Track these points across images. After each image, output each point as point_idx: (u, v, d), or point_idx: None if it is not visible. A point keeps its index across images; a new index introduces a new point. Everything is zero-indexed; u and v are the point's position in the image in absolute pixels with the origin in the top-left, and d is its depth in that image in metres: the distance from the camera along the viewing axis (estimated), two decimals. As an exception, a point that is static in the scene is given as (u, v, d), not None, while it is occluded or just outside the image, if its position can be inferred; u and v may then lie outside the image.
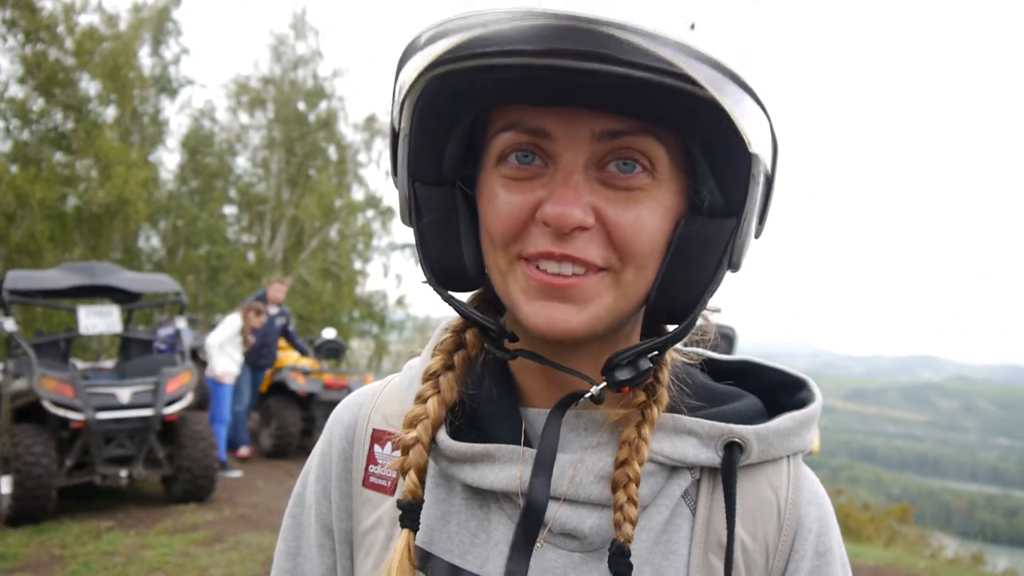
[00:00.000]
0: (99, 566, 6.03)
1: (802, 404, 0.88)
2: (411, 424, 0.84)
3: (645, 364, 0.78)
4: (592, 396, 0.79)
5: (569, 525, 0.81)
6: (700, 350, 0.96)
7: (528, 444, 0.84)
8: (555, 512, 0.81)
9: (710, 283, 0.76)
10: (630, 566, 0.77)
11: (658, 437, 0.82)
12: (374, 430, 0.95)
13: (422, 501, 0.82)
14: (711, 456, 0.82)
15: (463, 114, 0.76)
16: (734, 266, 0.77)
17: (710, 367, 0.96)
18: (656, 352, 0.79)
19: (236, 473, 9.52)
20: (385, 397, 0.98)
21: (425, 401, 0.85)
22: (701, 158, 0.73)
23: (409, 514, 0.82)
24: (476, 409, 0.88)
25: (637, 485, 0.78)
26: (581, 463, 0.82)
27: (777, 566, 0.83)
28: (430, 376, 0.88)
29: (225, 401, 9.59)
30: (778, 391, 0.92)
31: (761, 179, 0.73)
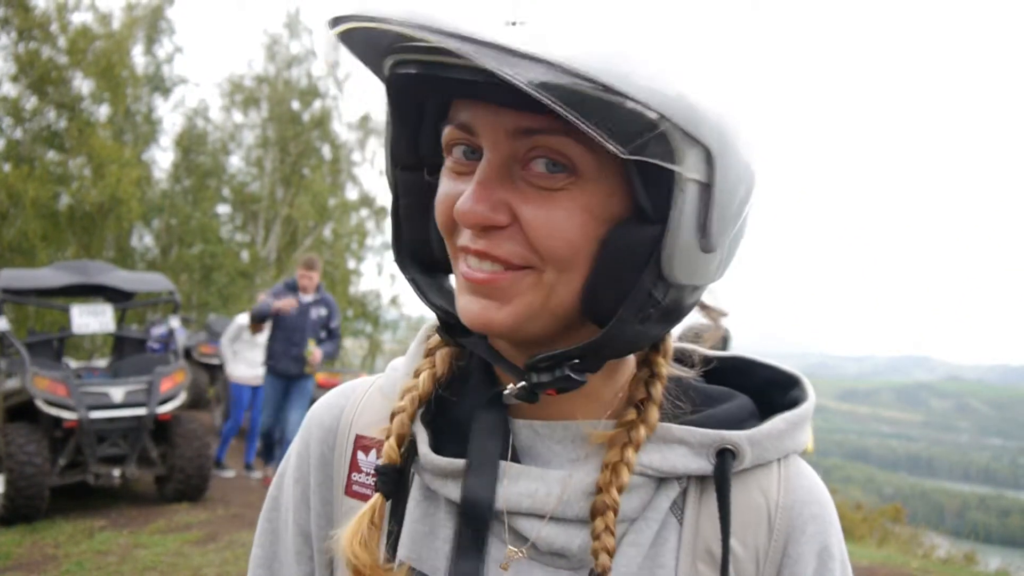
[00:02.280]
0: (92, 565, 6.02)
1: (794, 402, 0.86)
2: (402, 396, 0.87)
3: (565, 371, 0.74)
4: (512, 393, 0.78)
5: (557, 544, 0.79)
6: (691, 346, 0.94)
7: (514, 457, 0.83)
8: (540, 531, 0.79)
9: (632, 290, 0.71)
10: None
11: (647, 448, 0.80)
12: (358, 436, 0.93)
13: (399, 468, 0.83)
14: (703, 465, 0.79)
15: (427, 103, 0.80)
16: (666, 277, 0.70)
17: (702, 362, 0.95)
18: (577, 360, 0.74)
19: (230, 473, 9.43)
20: (368, 402, 0.96)
21: (418, 375, 0.88)
22: (630, 161, 0.67)
23: (383, 477, 0.82)
24: (462, 419, 0.86)
25: (616, 513, 0.77)
26: (569, 479, 0.79)
27: (768, 572, 0.81)
28: (429, 352, 0.91)
29: (237, 402, 9.47)
30: (771, 388, 0.91)
31: (688, 187, 0.68)
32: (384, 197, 26.64)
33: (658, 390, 0.83)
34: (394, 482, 0.83)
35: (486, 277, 0.73)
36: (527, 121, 0.68)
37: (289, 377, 8.12)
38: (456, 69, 0.66)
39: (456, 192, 0.74)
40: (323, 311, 8.25)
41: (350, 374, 11.97)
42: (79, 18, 20.40)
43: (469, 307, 0.75)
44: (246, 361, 9.37)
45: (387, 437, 0.84)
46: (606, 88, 0.61)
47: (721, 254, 0.75)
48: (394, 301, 27.40)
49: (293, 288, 8.17)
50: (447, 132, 0.75)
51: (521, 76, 0.59)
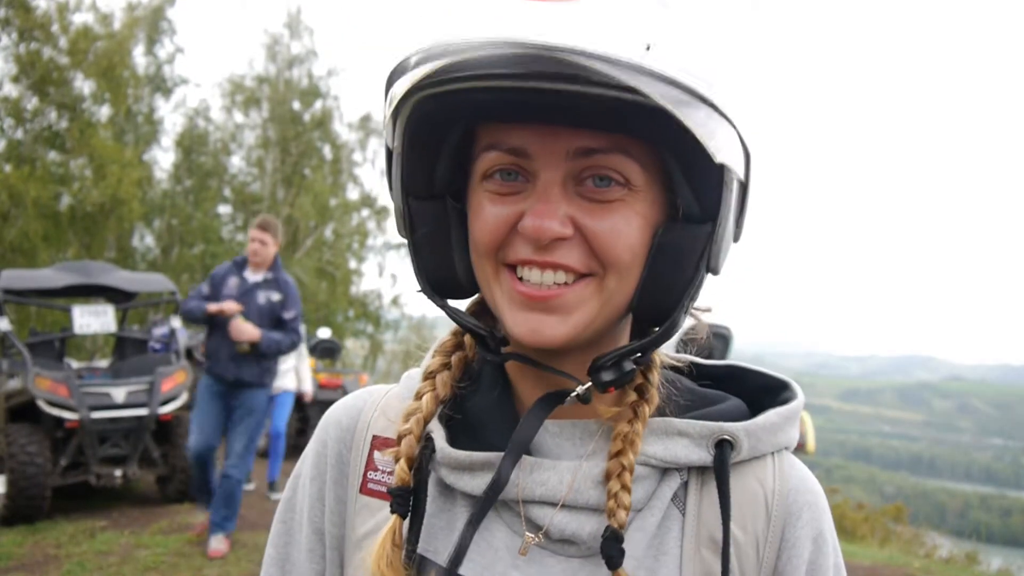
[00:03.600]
0: (93, 565, 6.02)
1: (785, 403, 0.91)
2: (406, 418, 0.89)
3: (628, 366, 0.81)
4: (578, 395, 0.82)
5: (568, 531, 0.83)
6: (687, 356, 1.00)
7: (527, 451, 0.86)
8: (553, 518, 0.83)
9: (688, 286, 0.79)
10: (622, 552, 0.79)
11: (650, 440, 0.85)
12: (374, 436, 0.96)
13: (411, 489, 0.86)
14: (702, 455, 0.84)
15: (450, 133, 0.81)
16: (712, 270, 0.79)
17: (697, 372, 1.00)
18: (640, 354, 0.82)
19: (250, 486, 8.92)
20: (385, 405, 0.99)
21: (420, 397, 0.90)
22: (676, 169, 0.76)
23: (397, 500, 0.85)
24: (476, 417, 0.90)
25: (631, 473, 0.81)
26: (579, 468, 0.84)
27: (768, 556, 0.85)
28: (428, 375, 0.93)
29: None
30: (762, 394, 0.95)
31: (734, 186, 0.77)
32: (385, 197, 26.62)
33: (655, 375, 0.89)
34: (408, 503, 0.86)
35: (551, 292, 0.77)
36: (587, 141, 0.74)
37: (231, 385, 6.07)
38: (504, 91, 0.70)
39: (505, 214, 0.78)
40: (275, 295, 6.13)
41: (351, 375, 11.98)
42: (80, 19, 20.37)
43: (526, 324, 0.78)
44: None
45: (396, 460, 0.87)
46: (714, 106, 0.70)
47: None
48: (395, 301, 27.43)
49: (241, 266, 6.24)
50: (490, 157, 0.78)
51: (656, 92, 0.66)
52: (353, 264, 26.99)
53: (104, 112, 21.46)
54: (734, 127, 0.74)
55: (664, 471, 0.86)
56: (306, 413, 10.74)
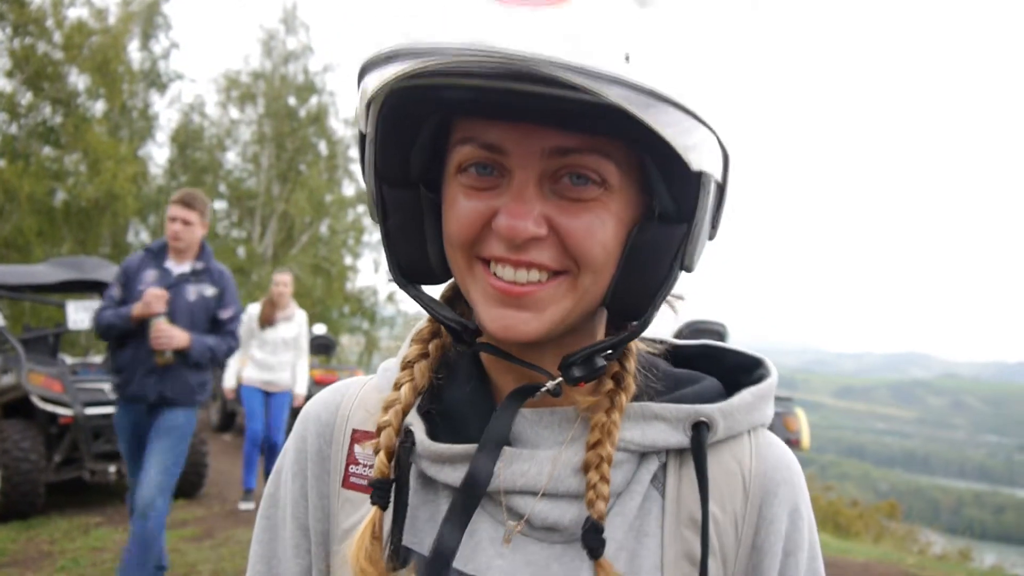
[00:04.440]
0: (88, 562, 6.01)
1: (759, 381, 0.93)
2: (386, 409, 0.90)
3: (600, 362, 0.82)
4: (548, 390, 0.84)
5: (550, 519, 0.84)
6: (664, 337, 1.02)
7: (506, 442, 0.87)
8: (535, 507, 0.84)
9: (663, 284, 0.80)
10: (602, 542, 0.80)
11: (627, 426, 0.86)
12: (354, 430, 0.97)
13: (391, 480, 0.86)
14: (680, 438, 0.86)
15: (424, 123, 0.81)
16: (687, 268, 0.80)
17: (673, 353, 1.02)
18: (610, 351, 0.83)
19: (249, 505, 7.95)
20: (363, 398, 1.00)
21: (399, 388, 0.91)
22: (653, 169, 0.77)
23: (378, 492, 0.86)
24: (454, 408, 0.91)
25: (609, 464, 0.83)
26: (558, 458, 0.85)
27: (747, 533, 0.87)
28: (406, 365, 0.93)
29: (251, 412, 7.69)
30: (738, 372, 0.97)
31: (712, 188, 0.78)
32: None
33: (631, 363, 0.90)
34: (388, 494, 0.86)
35: (525, 289, 0.78)
36: (563, 141, 0.74)
37: (151, 406, 4.67)
38: (481, 90, 0.69)
39: (480, 209, 0.78)
40: (208, 289, 4.79)
41: (346, 371, 11.99)
42: (75, 13, 20.31)
43: (501, 320, 0.79)
44: (254, 361, 7.67)
45: (376, 452, 0.87)
46: (691, 113, 0.71)
47: None
48: (390, 298, 27.42)
49: (159, 254, 4.80)
50: (465, 151, 0.78)
51: (615, 95, 0.66)
52: (348, 260, 26.98)
53: (99, 107, 21.41)
54: (713, 132, 0.74)
55: (643, 455, 0.87)
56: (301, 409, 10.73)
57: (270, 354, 7.63)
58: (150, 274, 4.69)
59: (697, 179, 0.75)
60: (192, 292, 4.76)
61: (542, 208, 0.76)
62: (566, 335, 0.83)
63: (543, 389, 0.84)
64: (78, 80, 20.54)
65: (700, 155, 0.74)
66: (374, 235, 26.93)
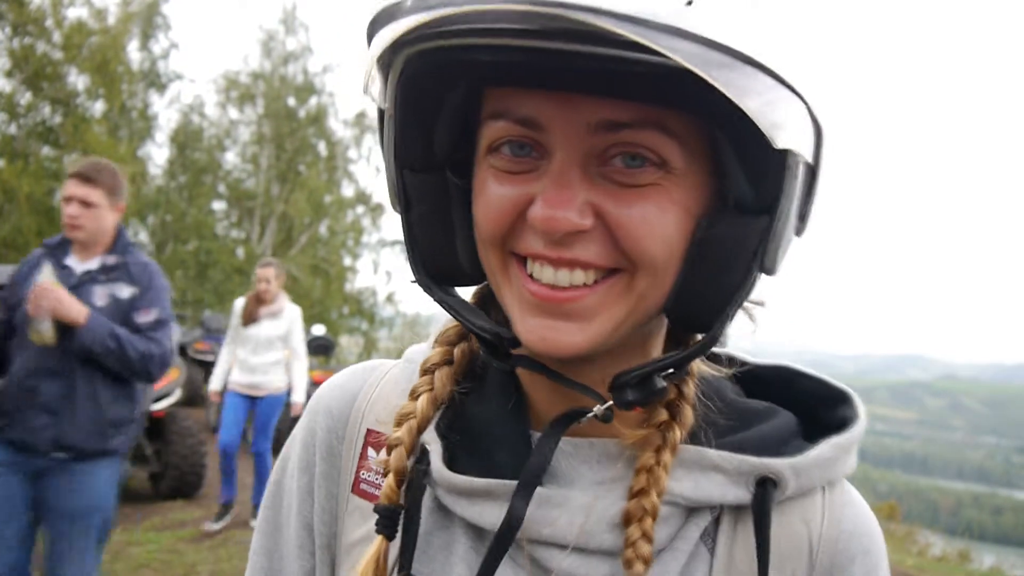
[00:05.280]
0: (86, 563, 5.99)
1: (843, 422, 0.78)
2: (399, 422, 0.79)
3: (659, 383, 0.69)
4: (596, 415, 0.71)
5: None
6: (730, 351, 0.87)
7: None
8: (562, 562, 0.73)
9: (738, 290, 0.66)
10: None
11: (679, 475, 0.73)
12: (369, 430, 0.86)
13: (400, 507, 0.76)
14: (740, 494, 0.72)
15: (450, 94, 0.69)
16: (767, 270, 0.67)
17: (743, 374, 0.86)
18: (672, 370, 0.70)
19: (215, 526, 7.06)
20: (381, 392, 0.89)
21: (417, 398, 0.80)
22: (728, 148, 0.64)
23: (384, 520, 0.76)
24: (479, 429, 0.79)
25: (654, 519, 0.70)
26: (593, 507, 0.72)
27: None
28: (427, 371, 0.82)
29: (230, 419, 6.99)
30: (816, 403, 0.82)
31: (800, 170, 0.64)
32: (380, 194, 26.64)
33: (690, 389, 0.76)
34: (396, 524, 0.76)
35: (569, 294, 0.65)
36: (612, 112, 0.61)
37: (47, 459, 3.30)
38: (509, 51, 0.57)
39: (513, 196, 0.66)
40: (124, 291, 3.48)
41: (345, 371, 11.93)
42: (74, 13, 20.27)
43: (539, 330, 0.67)
44: (239, 363, 6.95)
45: (385, 473, 0.77)
46: (757, 66, 0.57)
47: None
48: (390, 298, 27.39)
49: (57, 250, 3.53)
50: (496, 127, 0.66)
51: (680, 50, 0.53)
52: (348, 261, 26.93)
53: (98, 107, 21.36)
54: (801, 99, 0.61)
55: (692, 508, 0.74)
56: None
57: (252, 354, 6.82)
58: (47, 273, 3.31)
59: (782, 160, 0.62)
60: (100, 295, 3.42)
61: (588, 195, 0.64)
62: (617, 349, 0.70)
63: (590, 415, 0.71)
64: (77, 80, 20.50)
65: (787, 131, 0.60)
66: (373, 236, 26.94)
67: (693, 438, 0.74)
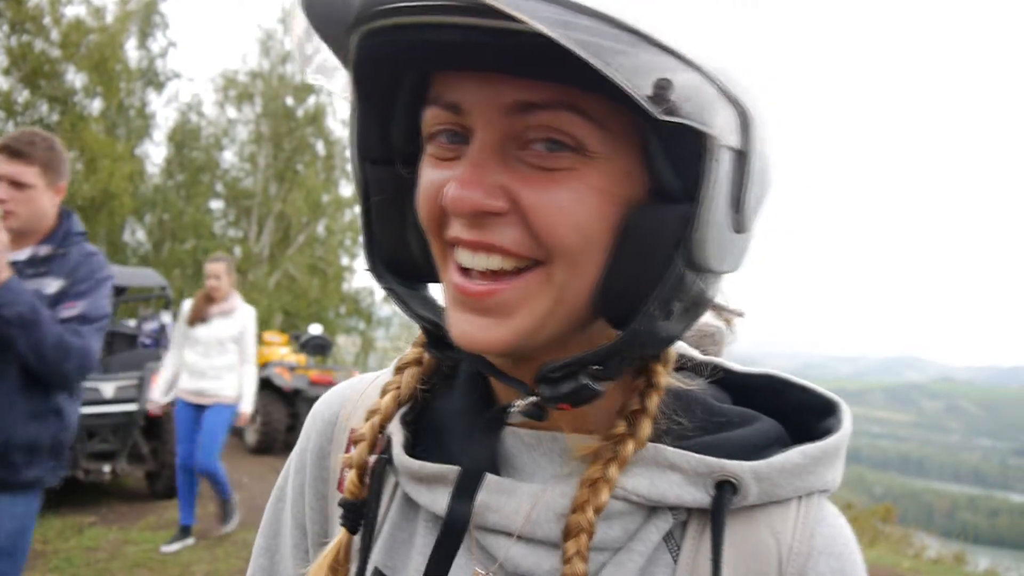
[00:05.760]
0: (81, 561, 5.99)
1: (826, 432, 0.75)
2: (366, 419, 0.81)
3: (585, 381, 0.64)
4: (524, 412, 0.69)
5: (523, 566, 0.71)
6: (717, 360, 0.84)
7: (493, 470, 0.74)
8: (508, 550, 0.71)
9: (656, 283, 0.61)
10: None
11: (634, 472, 0.70)
12: (351, 431, 0.87)
13: (362, 501, 0.78)
14: (699, 496, 0.69)
15: (400, 81, 0.68)
16: (695, 264, 0.62)
17: (728, 380, 0.83)
18: (599, 367, 0.65)
19: (175, 546, 6.47)
20: (366, 395, 0.90)
21: (384, 394, 0.82)
22: (649, 132, 0.60)
23: (347, 514, 0.78)
24: (441, 420, 0.80)
25: (590, 536, 0.68)
26: (541, 496, 0.71)
27: None
28: (398, 369, 0.84)
29: (183, 431, 6.31)
30: (806, 413, 0.79)
31: (722, 155, 0.59)
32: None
33: (653, 402, 0.72)
34: (359, 517, 0.78)
35: (484, 288, 0.64)
36: (525, 93, 0.60)
37: None
38: (438, 29, 0.57)
39: (443, 180, 0.64)
40: (51, 284, 2.83)
41: (343, 371, 11.98)
42: (72, 11, 20.26)
43: (462, 327, 0.66)
44: (186, 367, 6.27)
45: (348, 467, 0.79)
46: (637, 34, 0.53)
47: (748, 236, 0.68)
48: (387, 298, 27.32)
49: None
50: (429, 114, 0.66)
51: (539, 14, 0.50)
52: (345, 261, 26.93)
53: (96, 106, 21.38)
54: (702, 73, 0.57)
55: (652, 508, 0.71)
56: (297, 409, 10.75)
57: (201, 356, 6.16)
58: None
59: (700, 143, 0.58)
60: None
61: (502, 178, 0.62)
62: (557, 346, 0.67)
63: (514, 410, 0.70)
64: (75, 78, 20.49)
65: (673, 103, 0.55)
66: (371, 235, 26.91)
67: (656, 441, 0.72)
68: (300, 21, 0.67)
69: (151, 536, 6.70)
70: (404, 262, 0.75)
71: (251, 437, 10.73)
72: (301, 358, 11.92)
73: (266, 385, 10.70)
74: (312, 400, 10.51)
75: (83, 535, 6.70)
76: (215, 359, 6.16)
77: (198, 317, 6.13)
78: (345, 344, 27.09)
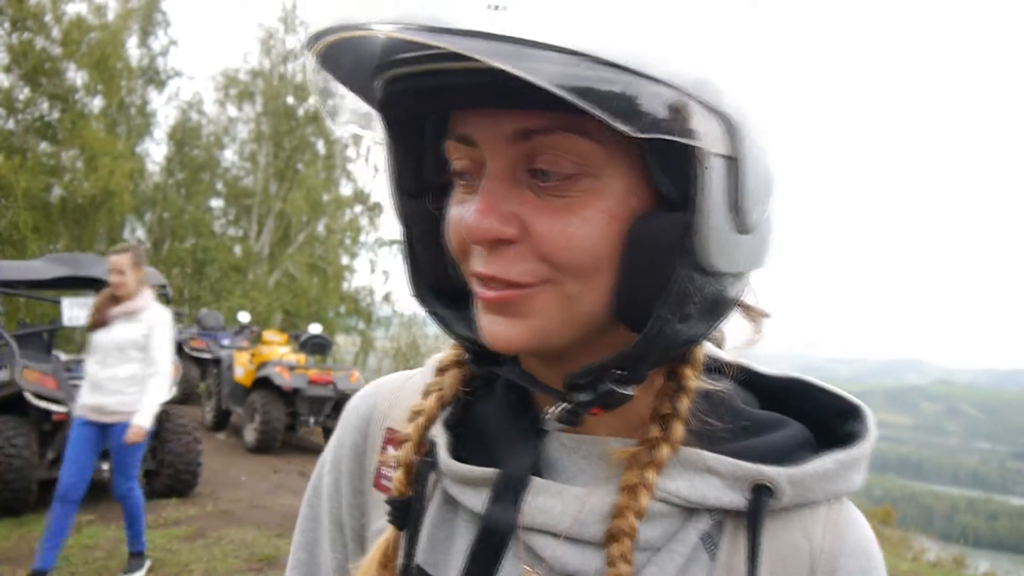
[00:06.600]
0: (80, 560, 5.98)
1: (851, 437, 0.78)
2: (410, 419, 0.85)
3: (610, 386, 0.68)
4: (558, 419, 0.72)
5: (571, 566, 0.74)
6: (741, 361, 0.86)
7: (537, 469, 0.77)
8: (556, 550, 0.74)
9: (664, 288, 0.64)
10: None
11: (674, 475, 0.73)
12: (388, 429, 0.91)
13: (409, 499, 0.81)
14: (736, 499, 0.72)
15: (422, 120, 0.74)
16: (702, 268, 0.64)
17: (752, 381, 0.86)
18: (621, 371, 0.68)
19: None
20: (402, 394, 0.93)
21: (427, 396, 0.85)
22: (644, 145, 0.62)
23: (395, 512, 0.81)
24: (484, 423, 0.83)
25: (632, 539, 0.71)
26: (588, 499, 0.74)
27: None
28: (440, 370, 0.88)
29: (74, 451, 5.24)
30: (830, 416, 0.82)
31: (712, 161, 0.62)
32: (378, 193, 26.69)
33: (684, 404, 0.75)
34: (405, 515, 0.81)
35: (503, 294, 0.67)
36: (523, 122, 0.63)
37: None
38: (445, 75, 0.62)
39: (464, 213, 0.68)
40: None
41: (342, 371, 11.96)
42: (73, 9, 20.41)
43: (487, 328, 0.70)
44: (87, 379, 5.17)
45: (388, 465, 0.83)
46: (609, 65, 0.56)
47: (759, 235, 0.69)
48: (387, 298, 27.40)
49: None
50: (449, 146, 0.69)
51: (525, 68, 0.54)
52: (345, 260, 26.95)
53: (96, 103, 21.39)
54: (687, 94, 0.59)
55: (691, 510, 0.74)
56: (296, 408, 10.73)
57: (100, 366, 5.06)
58: None
59: (689, 152, 0.61)
60: None
61: (513, 205, 0.65)
62: (585, 352, 0.70)
63: (547, 418, 0.73)
64: (76, 76, 20.51)
65: (643, 119, 0.57)
66: (370, 235, 26.98)
67: (689, 443, 0.75)
68: (321, 78, 0.71)
69: (149, 535, 6.67)
70: (446, 285, 0.79)
71: (250, 436, 10.70)
72: (300, 357, 11.88)
73: (265, 384, 10.68)
74: (310, 399, 10.51)
75: (82, 533, 6.69)
76: (114, 368, 5.07)
77: (99, 319, 5.10)
78: (345, 343, 27.10)
